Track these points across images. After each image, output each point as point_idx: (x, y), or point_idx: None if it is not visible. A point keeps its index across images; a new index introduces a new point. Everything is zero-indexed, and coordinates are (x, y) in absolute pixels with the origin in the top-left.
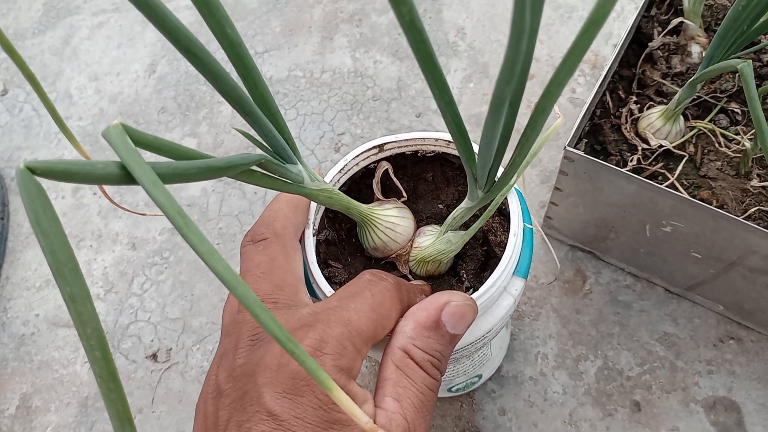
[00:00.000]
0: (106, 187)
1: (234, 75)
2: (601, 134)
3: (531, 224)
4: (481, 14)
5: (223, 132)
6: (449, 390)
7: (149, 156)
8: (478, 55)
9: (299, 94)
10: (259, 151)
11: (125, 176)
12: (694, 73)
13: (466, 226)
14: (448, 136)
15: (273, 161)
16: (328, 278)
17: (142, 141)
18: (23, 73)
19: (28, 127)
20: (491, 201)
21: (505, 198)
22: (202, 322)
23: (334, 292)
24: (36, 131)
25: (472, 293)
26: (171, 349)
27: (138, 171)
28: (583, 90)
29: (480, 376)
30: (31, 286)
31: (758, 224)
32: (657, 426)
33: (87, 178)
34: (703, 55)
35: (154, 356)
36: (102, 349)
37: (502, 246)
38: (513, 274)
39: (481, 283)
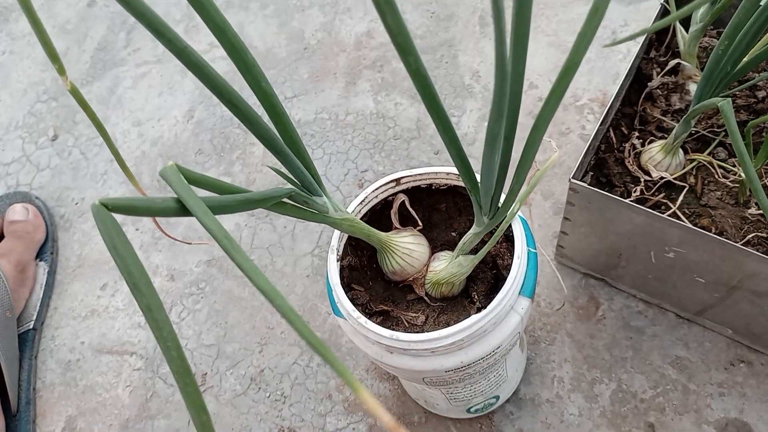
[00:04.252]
0: (157, 221)
1: (266, 119)
2: (605, 167)
3: (534, 248)
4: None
5: (255, 171)
6: (468, 410)
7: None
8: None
9: (325, 135)
10: (289, 186)
11: (180, 209)
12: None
13: (475, 251)
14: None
15: (301, 194)
16: (351, 300)
17: (192, 178)
18: (88, 116)
19: (76, 169)
20: (497, 227)
21: (511, 225)
22: (236, 348)
23: (358, 312)
24: (83, 173)
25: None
26: (206, 373)
27: (191, 203)
28: (592, 126)
29: (497, 398)
30: (77, 316)
31: (757, 249)
32: None
33: (149, 211)
34: None
35: None
36: (177, 349)
37: (509, 269)
38: (519, 294)
39: (488, 305)
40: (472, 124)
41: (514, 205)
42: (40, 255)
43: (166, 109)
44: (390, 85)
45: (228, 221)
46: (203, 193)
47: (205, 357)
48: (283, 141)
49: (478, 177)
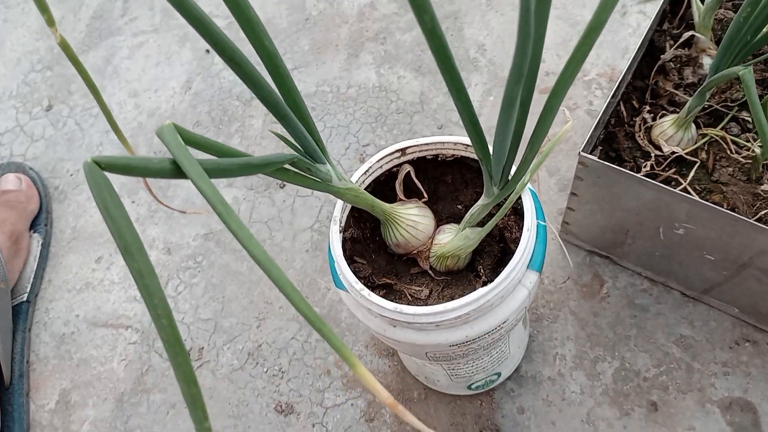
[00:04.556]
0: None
1: (269, 85)
2: (615, 142)
3: (544, 221)
4: (501, 31)
5: (254, 144)
6: (469, 387)
7: (196, 155)
8: (498, 70)
9: (326, 108)
10: (292, 152)
11: (175, 171)
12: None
13: (482, 224)
14: (466, 140)
15: (304, 160)
16: (353, 273)
17: (191, 139)
18: (80, 73)
19: (71, 140)
20: (506, 198)
21: (520, 197)
22: (233, 323)
23: (361, 284)
24: (78, 144)
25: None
26: (203, 348)
27: (187, 165)
28: (600, 102)
29: (499, 374)
30: (72, 289)
31: None
32: (673, 426)
33: (144, 171)
34: None
35: None
36: (168, 318)
37: (517, 242)
38: (527, 267)
39: (495, 279)
40: (476, 98)
41: (525, 175)
42: (34, 227)
43: (163, 80)
44: (393, 58)
45: (226, 194)
46: (203, 158)
47: (201, 331)
48: (286, 104)
49: (490, 147)
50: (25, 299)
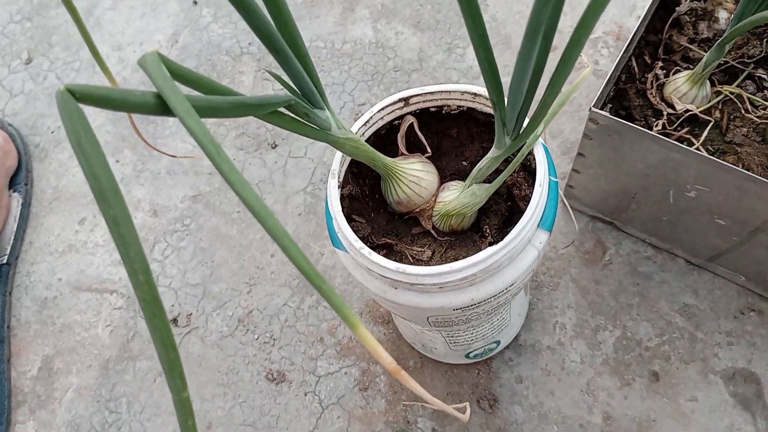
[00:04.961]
0: (136, 146)
1: (265, 15)
2: (626, 99)
3: (556, 177)
4: None
5: None
6: (467, 356)
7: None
8: (501, 27)
9: (320, 65)
10: (288, 94)
11: (160, 106)
12: (720, 39)
13: (489, 180)
14: (474, 89)
15: (302, 104)
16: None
17: (177, 72)
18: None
19: (52, 95)
20: (518, 150)
21: (530, 153)
22: (222, 288)
23: (361, 243)
24: None
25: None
26: (191, 314)
27: (173, 99)
28: (606, 62)
29: (498, 342)
30: (54, 251)
31: None
32: (675, 396)
33: (124, 105)
34: (730, 20)
35: (174, 321)
36: (145, 273)
37: (527, 200)
38: (538, 226)
39: (505, 238)
40: None
41: (539, 126)
42: (13, 185)
43: (148, 33)
44: (391, 13)
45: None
46: (191, 95)
47: (190, 297)
48: (283, 38)
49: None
50: (5, 261)
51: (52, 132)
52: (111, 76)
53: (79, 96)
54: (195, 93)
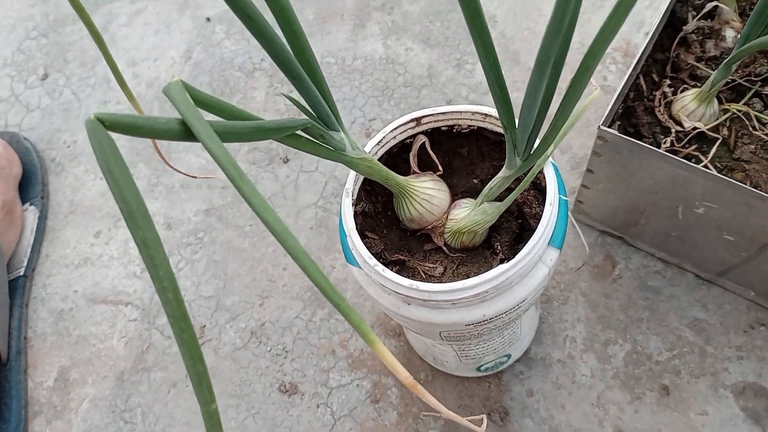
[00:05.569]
0: (150, 161)
1: (283, 43)
2: (634, 117)
3: (566, 196)
4: (513, 2)
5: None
6: (478, 369)
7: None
8: (509, 43)
9: (331, 81)
10: (305, 117)
11: (184, 132)
12: (727, 58)
13: (500, 198)
14: (485, 110)
15: (318, 126)
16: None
17: (200, 99)
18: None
19: (68, 111)
20: (529, 170)
21: (541, 172)
22: (235, 301)
23: (375, 260)
24: (75, 114)
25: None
26: (205, 326)
27: (197, 126)
28: (614, 78)
29: (509, 356)
30: (70, 264)
31: None
32: (685, 410)
33: (150, 132)
34: (737, 39)
35: None
36: (174, 291)
37: (537, 218)
38: (548, 244)
39: (515, 255)
40: None
41: (549, 147)
42: (29, 199)
43: (162, 49)
44: (401, 29)
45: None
46: (212, 120)
47: (203, 309)
48: (300, 64)
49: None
50: (21, 274)
51: (68, 146)
52: (133, 97)
53: (108, 124)
54: (216, 118)
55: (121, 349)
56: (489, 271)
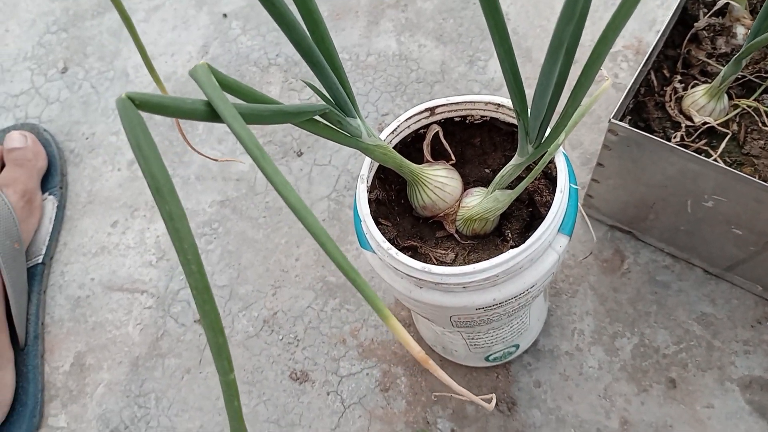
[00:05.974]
0: (170, 152)
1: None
2: (645, 112)
3: (576, 184)
4: (525, 0)
5: None
6: (486, 359)
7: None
8: (522, 41)
9: None
10: (323, 103)
11: (209, 113)
12: (737, 54)
13: (511, 186)
14: (498, 100)
15: (335, 112)
16: None
17: (224, 82)
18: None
19: (87, 103)
20: (540, 158)
21: (551, 161)
22: (248, 290)
23: (388, 243)
24: (94, 107)
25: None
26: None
27: (222, 107)
28: (625, 75)
29: (517, 346)
30: (87, 252)
31: None
32: (692, 403)
33: (177, 111)
34: (747, 36)
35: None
36: (197, 264)
37: (547, 206)
38: (558, 231)
39: (526, 241)
40: (498, 69)
41: (560, 135)
42: (48, 189)
43: (179, 44)
44: (414, 26)
45: (244, 160)
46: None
47: (217, 298)
48: (319, 51)
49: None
50: (40, 261)
51: (87, 138)
52: (162, 84)
53: (138, 103)
54: (239, 101)
55: (136, 336)
56: (500, 256)
